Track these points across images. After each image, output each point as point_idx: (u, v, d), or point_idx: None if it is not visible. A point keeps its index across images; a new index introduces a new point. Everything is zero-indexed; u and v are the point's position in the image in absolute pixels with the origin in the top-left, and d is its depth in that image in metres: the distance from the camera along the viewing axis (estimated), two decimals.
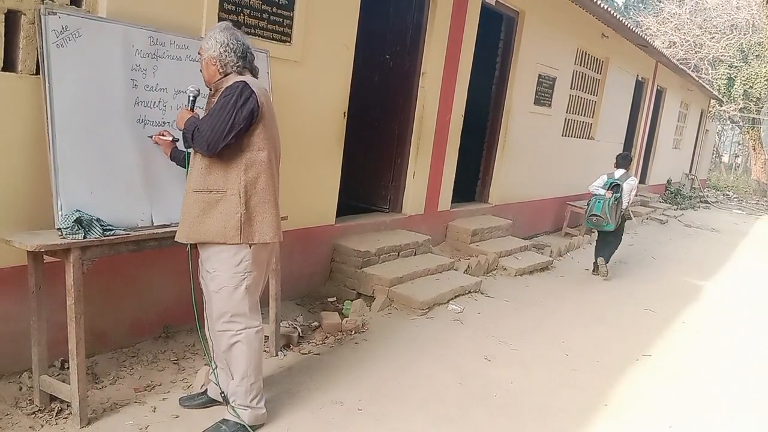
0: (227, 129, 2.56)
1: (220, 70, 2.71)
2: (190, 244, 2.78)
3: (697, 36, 20.41)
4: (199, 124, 2.64)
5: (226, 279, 2.71)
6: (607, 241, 6.97)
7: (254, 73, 2.82)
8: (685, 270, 7.90)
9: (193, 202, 2.69)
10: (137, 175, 3.01)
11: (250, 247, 2.70)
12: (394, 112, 6.02)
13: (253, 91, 2.61)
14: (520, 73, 7.44)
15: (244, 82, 2.63)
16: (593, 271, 7.02)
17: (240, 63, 2.72)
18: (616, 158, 7.16)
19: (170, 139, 3.02)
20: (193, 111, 2.80)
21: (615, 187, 6.73)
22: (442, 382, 3.69)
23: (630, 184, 6.83)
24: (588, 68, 9.52)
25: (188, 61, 3.22)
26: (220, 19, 3.60)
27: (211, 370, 3.03)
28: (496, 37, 7.29)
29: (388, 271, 5.01)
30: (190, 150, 2.78)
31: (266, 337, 3.74)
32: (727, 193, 22.15)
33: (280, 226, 2.84)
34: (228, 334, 2.78)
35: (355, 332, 4.27)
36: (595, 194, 6.81)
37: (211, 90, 2.76)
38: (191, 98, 2.81)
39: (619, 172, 6.94)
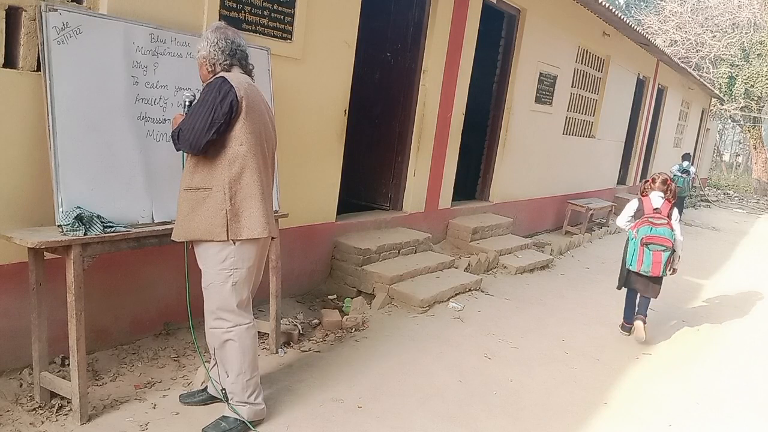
0: (207, 126, 2.56)
1: (210, 69, 2.72)
2: (187, 243, 2.79)
3: (699, 35, 20.35)
4: (181, 124, 2.65)
5: (212, 275, 2.72)
6: (681, 201, 11.13)
7: (246, 70, 2.80)
8: (685, 268, 7.83)
9: (184, 200, 2.71)
10: (138, 172, 3.01)
11: (234, 243, 2.69)
12: (395, 109, 6.01)
13: (231, 86, 2.59)
14: (521, 71, 7.43)
15: (222, 77, 2.62)
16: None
17: (228, 61, 2.71)
18: (682, 156, 12.22)
19: None
20: None
21: (685, 172, 11.48)
22: (442, 380, 3.70)
23: (692, 169, 11.80)
24: (589, 66, 9.51)
25: (189, 58, 3.21)
26: (221, 16, 3.61)
27: (206, 370, 3.04)
28: (497, 35, 7.28)
29: (388, 268, 5.01)
30: None
31: (266, 335, 3.75)
32: (728, 191, 22.14)
33: (272, 221, 2.83)
34: (219, 331, 2.78)
35: (356, 330, 4.27)
36: (676, 174, 11.25)
37: None
38: (186, 103, 2.81)
39: (686, 163, 11.71)
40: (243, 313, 2.80)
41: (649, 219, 4.57)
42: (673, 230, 4.53)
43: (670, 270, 4.60)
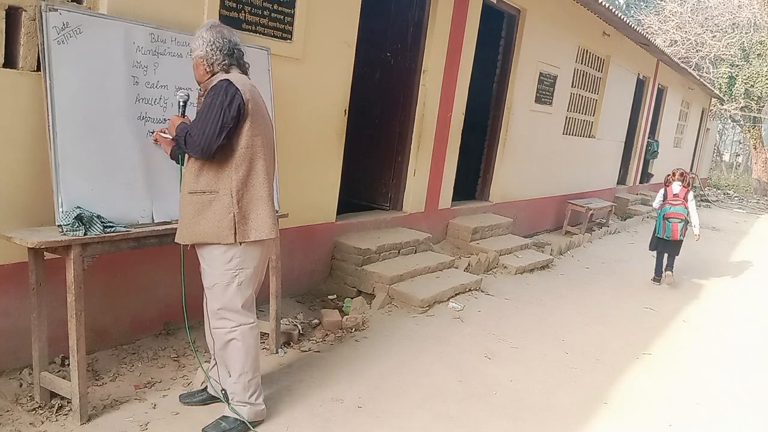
0: (217, 130, 2.55)
1: (208, 69, 2.70)
2: (183, 245, 2.79)
3: (699, 35, 20.34)
4: (189, 129, 2.63)
5: (217, 276, 2.72)
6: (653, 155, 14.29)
7: (243, 69, 2.79)
8: (685, 268, 7.89)
9: (188, 203, 2.70)
10: (138, 172, 3.01)
11: (240, 244, 2.69)
12: (395, 109, 6.01)
13: (237, 89, 2.59)
14: (521, 71, 7.43)
15: (228, 80, 2.61)
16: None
17: (226, 61, 2.70)
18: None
19: (170, 137, 3.01)
20: (184, 116, 2.81)
21: (654, 141, 14.15)
22: (442, 380, 3.70)
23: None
24: (589, 66, 9.51)
25: (189, 58, 3.20)
26: (221, 16, 3.61)
27: (205, 371, 3.04)
28: (497, 35, 7.28)
29: (388, 268, 5.02)
30: None
31: (266, 335, 3.75)
32: (728, 191, 22.13)
33: (276, 222, 2.83)
34: (222, 331, 2.78)
35: (356, 330, 4.27)
36: (650, 141, 13.98)
37: (201, 90, 2.76)
38: (181, 104, 2.80)
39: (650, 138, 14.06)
40: (247, 313, 2.81)
41: (669, 201, 6.63)
42: (686, 208, 6.55)
43: (685, 234, 6.60)
